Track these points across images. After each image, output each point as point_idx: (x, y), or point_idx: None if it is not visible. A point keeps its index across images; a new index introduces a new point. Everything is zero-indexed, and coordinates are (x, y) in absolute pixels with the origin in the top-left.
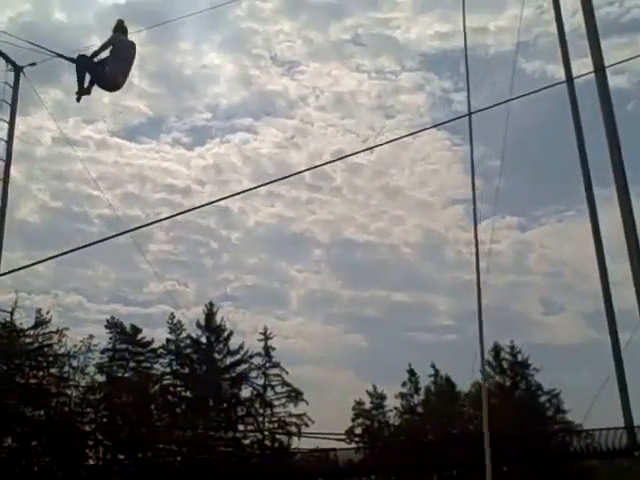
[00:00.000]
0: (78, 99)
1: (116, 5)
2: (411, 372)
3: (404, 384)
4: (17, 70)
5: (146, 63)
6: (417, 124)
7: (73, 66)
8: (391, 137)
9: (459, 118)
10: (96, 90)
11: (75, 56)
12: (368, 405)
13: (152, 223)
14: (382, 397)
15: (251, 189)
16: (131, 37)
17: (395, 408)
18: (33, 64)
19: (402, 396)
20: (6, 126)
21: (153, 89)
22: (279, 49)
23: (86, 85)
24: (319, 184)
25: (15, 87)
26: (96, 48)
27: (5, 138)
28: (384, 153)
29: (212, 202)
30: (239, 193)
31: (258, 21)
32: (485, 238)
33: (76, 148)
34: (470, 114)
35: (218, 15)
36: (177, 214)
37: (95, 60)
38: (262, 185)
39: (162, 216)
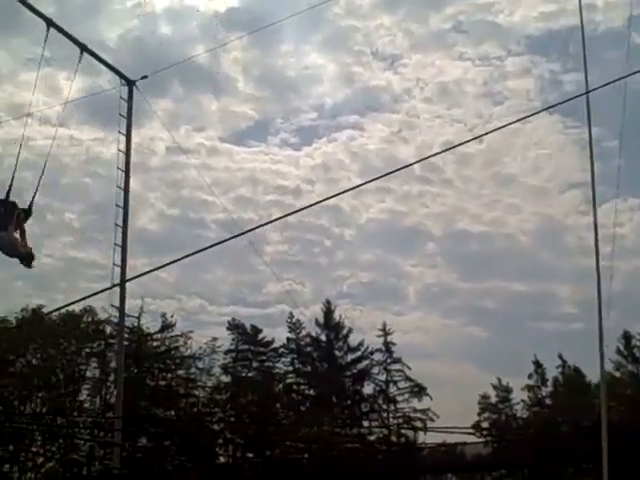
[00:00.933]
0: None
1: (217, 14)
2: (537, 363)
3: (530, 376)
4: (130, 84)
5: (250, 68)
6: (526, 109)
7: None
8: (500, 124)
9: (575, 98)
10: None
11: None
12: (494, 399)
13: (267, 223)
14: (508, 390)
15: (362, 184)
16: (233, 44)
17: (522, 401)
18: (145, 77)
19: (529, 388)
20: (123, 138)
21: (258, 93)
22: (380, 44)
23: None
24: (429, 177)
25: (129, 100)
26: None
27: (123, 150)
28: (494, 141)
29: (324, 200)
30: (351, 189)
31: (357, 18)
32: (607, 222)
33: (189, 156)
34: (587, 92)
35: (317, 15)
36: (291, 213)
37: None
38: (372, 180)
39: (274, 217)
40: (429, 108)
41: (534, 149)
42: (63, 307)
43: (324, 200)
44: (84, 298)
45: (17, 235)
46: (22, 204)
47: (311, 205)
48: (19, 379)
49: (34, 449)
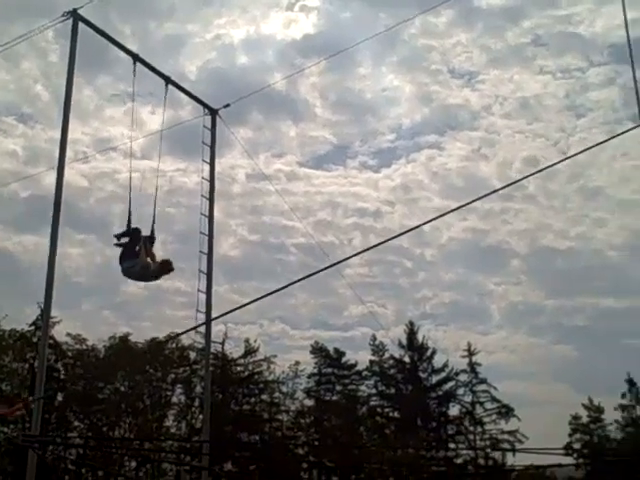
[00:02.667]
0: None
1: (294, 41)
2: (630, 382)
3: (624, 395)
4: (213, 113)
5: (328, 92)
6: (611, 120)
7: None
8: (584, 137)
9: None
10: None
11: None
12: (585, 419)
13: (358, 254)
14: (600, 410)
15: (450, 212)
16: (310, 69)
17: (615, 421)
18: (227, 106)
19: (622, 408)
20: (207, 167)
21: (336, 117)
22: (457, 62)
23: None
24: (512, 193)
25: (213, 129)
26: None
27: (207, 177)
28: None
29: (414, 228)
30: (440, 217)
31: (433, 36)
32: None
33: (269, 182)
34: None
35: (393, 36)
36: (381, 243)
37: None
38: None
39: (356, 241)
40: (509, 124)
41: (621, 160)
42: (173, 338)
43: (414, 228)
44: (182, 333)
45: (148, 259)
46: (110, 234)
47: (403, 233)
48: (108, 406)
49: (123, 473)
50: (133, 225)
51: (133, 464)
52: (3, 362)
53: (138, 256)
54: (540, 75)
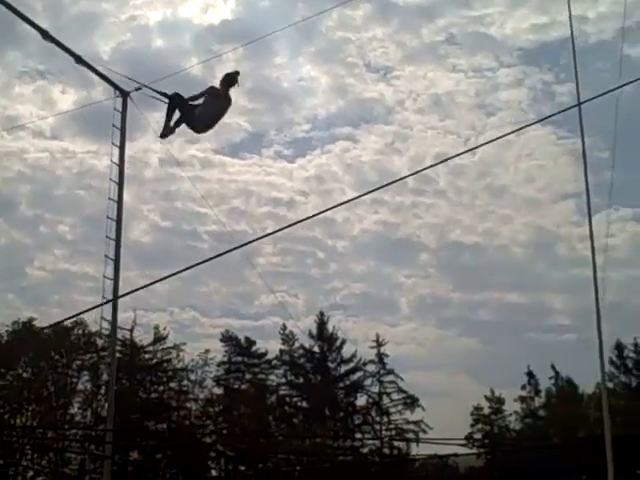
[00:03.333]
0: (163, 135)
1: (211, 26)
2: (530, 374)
3: (523, 387)
4: (124, 95)
5: (244, 80)
6: (519, 120)
7: (176, 88)
8: (493, 135)
9: (568, 109)
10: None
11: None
12: (487, 410)
13: (263, 236)
14: (501, 401)
15: (357, 197)
16: (227, 56)
17: (515, 412)
18: (139, 89)
19: (522, 399)
20: (117, 150)
21: (252, 105)
22: (373, 56)
23: (172, 124)
24: (423, 188)
25: (123, 112)
26: (195, 93)
27: (117, 162)
28: (486, 153)
29: (320, 213)
30: (346, 202)
31: (350, 29)
32: (599, 232)
33: (182, 168)
34: (580, 104)
35: (311, 27)
36: (286, 227)
37: (189, 103)
38: (367, 193)
39: (268, 230)
40: (422, 119)
41: (527, 160)
42: (60, 322)
43: (320, 213)
44: (78, 314)
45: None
46: (17, 217)
47: (308, 218)
48: (10, 392)
49: (24, 463)
50: None
51: (34, 453)
52: None
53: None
54: (453, 73)
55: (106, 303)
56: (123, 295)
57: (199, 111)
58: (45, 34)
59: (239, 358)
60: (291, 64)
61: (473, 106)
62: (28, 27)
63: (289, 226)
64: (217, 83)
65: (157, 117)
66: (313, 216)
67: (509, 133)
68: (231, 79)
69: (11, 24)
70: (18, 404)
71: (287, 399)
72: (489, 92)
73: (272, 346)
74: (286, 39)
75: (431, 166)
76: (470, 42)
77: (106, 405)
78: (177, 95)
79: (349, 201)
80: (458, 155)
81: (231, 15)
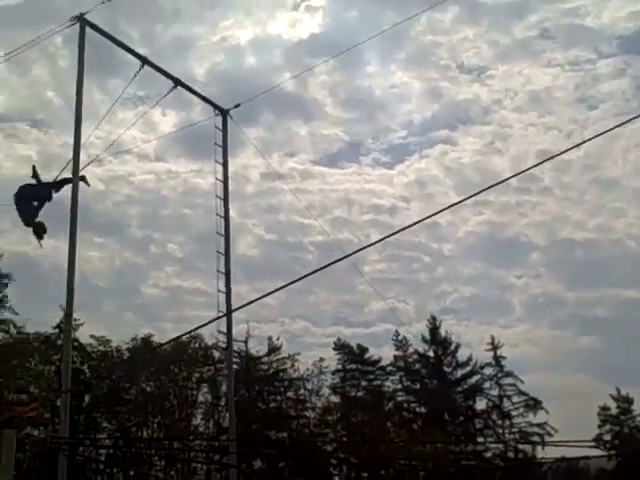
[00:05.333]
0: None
1: (301, 41)
2: None
3: None
4: (223, 113)
5: (337, 90)
6: (624, 111)
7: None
8: (597, 129)
9: None
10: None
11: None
12: (614, 410)
13: (373, 244)
14: (629, 401)
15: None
16: (319, 68)
17: None
18: (237, 106)
19: None
20: (220, 167)
21: (347, 114)
22: (465, 57)
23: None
24: (527, 186)
25: (224, 129)
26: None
27: (221, 178)
28: (592, 146)
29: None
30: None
31: (440, 33)
32: None
33: (283, 181)
34: None
35: (400, 33)
36: (396, 232)
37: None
38: (473, 195)
39: (372, 237)
40: (521, 117)
41: (635, 151)
42: (177, 337)
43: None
44: (198, 328)
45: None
46: (129, 238)
47: (416, 223)
48: (135, 406)
49: (154, 473)
50: None
51: (163, 463)
52: (29, 365)
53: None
54: (549, 68)
55: (223, 316)
56: (238, 308)
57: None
58: (145, 61)
59: (353, 365)
60: (383, 72)
61: (573, 100)
62: (128, 55)
63: (398, 232)
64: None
65: (255, 133)
66: (420, 221)
67: (618, 125)
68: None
69: (111, 53)
70: (143, 417)
71: (405, 405)
72: (589, 85)
73: (385, 353)
74: (376, 47)
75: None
76: (565, 35)
77: (227, 416)
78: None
79: (454, 204)
80: (565, 152)
81: (319, 28)
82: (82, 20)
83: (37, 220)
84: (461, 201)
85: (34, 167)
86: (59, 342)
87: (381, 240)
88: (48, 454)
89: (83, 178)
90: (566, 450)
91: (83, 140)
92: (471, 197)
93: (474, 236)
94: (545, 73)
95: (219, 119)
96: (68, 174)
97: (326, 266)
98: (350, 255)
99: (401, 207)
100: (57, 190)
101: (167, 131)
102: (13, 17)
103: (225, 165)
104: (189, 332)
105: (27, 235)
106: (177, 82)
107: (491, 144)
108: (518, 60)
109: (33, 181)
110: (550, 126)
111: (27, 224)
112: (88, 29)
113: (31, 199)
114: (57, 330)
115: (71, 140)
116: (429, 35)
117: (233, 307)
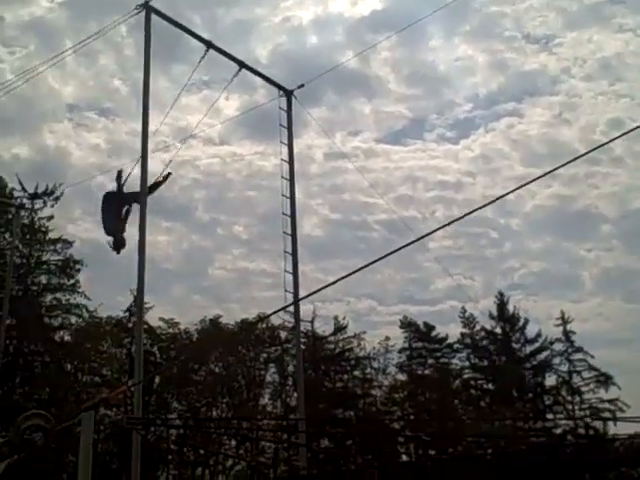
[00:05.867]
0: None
1: (362, 18)
2: None
3: None
4: (288, 94)
5: (400, 67)
6: None
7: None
8: None
9: None
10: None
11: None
12: None
13: (445, 226)
14: None
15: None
16: (382, 45)
17: None
18: (302, 86)
19: None
20: (285, 148)
21: (410, 91)
22: (531, 26)
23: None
24: (598, 156)
25: (289, 110)
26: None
27: (286, 159)
28: None
29: (502, 196)
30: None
31: (505, 3)
32: None
33: (347, 160)
34: None
35: (463, 5)
36: (469, 213)
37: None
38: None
39: (438, 214)
40: (590, 86)
41: None
42: (264, 319)
43: (501, 197)
44: (273, 313)
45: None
46: (195, 221)
47: (489, 203)
48: (204, 387)
49: (223, 452)
50: None
51: (233, 442)
52: (102, 348)
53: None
54: (620, 34)
55: (291, 305)
56: (306, 296)
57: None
58: (210, 45)
59: (420, 344)
60: (446, 45)
61: None
62: (191, 41)
63: (466, 215)
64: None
65: (318, 113)
66: (493, 201)
67: None
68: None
69: (176, 39)
70: (213, 397)
71: (472, 382)
72: None
73: (452, 330)
74: (439, 21)
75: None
76: None
77: (295, 395)
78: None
79: (526, 184)
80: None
81: (381, 4)
82: (147, 7)
83: (122, 235)
84: (535, 180)
85: (119, 172)
86: (130, 325)
87: (450, 223)
88: (121, 434)
89: (167, 176)
90: (638, 427)
91: (150, 127)
92: (547, 174)
93: (542, 210)
94: (616, 39)
95: (283, 100)
96: (137, 163)
97: (396, 250)
98: (421, 239)
99: (467, 182)
100: (150, 193)
101: (231, 114)
102: (79, 8)
103: (290, 146)
104: (263, 318)
105: (98, 223)
106: (241, 65)
107: (559, 115)
108: (587, 27)
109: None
110: (621, 94)
111: (108, 233)
112: (153, 16)
113: (116, 207)
114: (128, 313)
115: (138, 127)
116: (493, 6)
117: (300, 286)
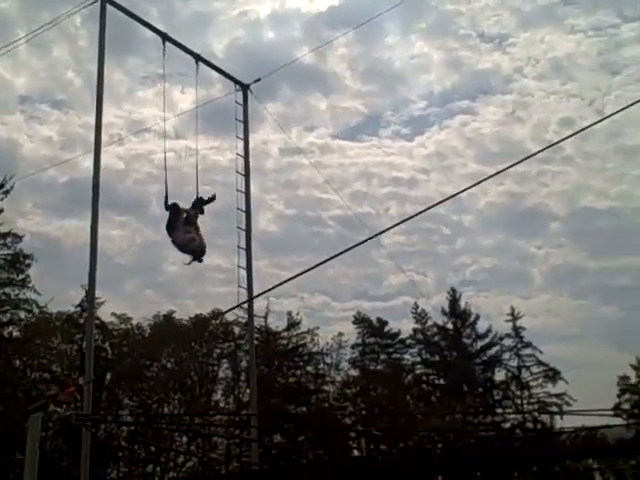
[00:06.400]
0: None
1: (320, 14)
2: None
3: None
4: (244, 88)
5: (356, 63)
6: None
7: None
8: (620, 95)
9: None
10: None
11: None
12: (634, 379)
13: (396, 225)
14: None
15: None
16: (338, 41)
17: None
18: (258, 80)
19: None
20: (241, 143)
21: (366, 87)
22: (486, 25)
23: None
24: (548, 155)
25: (245, 104)
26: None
27: (242, 154)
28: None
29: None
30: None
31: (460, 1)
32: None
33: (303, 155)
34: None
35: (420, 3)
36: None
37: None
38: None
39: (392, 210)
40: (542, 85)
41: None
42: (218, 315)
43: (454, 195)
44: (228, 311)
45: (192, 233)
46: (150, 216)
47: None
48: (156, 382)
49: (175, 449)
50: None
51: (184, 439)
52: (52, 344)
53: (176, 230)
54: (571, 34)
55: (245, 303)
56: (263, 293)
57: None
58: (165, 37)
59: (372, 339)
60: (402, 42)
61: (596, 66)
62: (146, 33)
63: (421, 212)
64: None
65: (274, 108)
66: (448, 199)
67: None
68: (201, 204)
69: (131, 32)
70: (165, 393)
71: (424, 377)
72: (612, 50)
73: (405, 325)
74: (396, 18)
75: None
76: (588, 0)
77: (247, 391)
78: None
79: (481, 182)
80: (592, 125)
81: (338, 1)
82: None
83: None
84: (487, 179)
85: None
86: (81, 321)
87: (405, 221)
88: (71, 431)
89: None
90: (585, 420)
91: (104, 120)
92: (499, 173)
93: (494, 207)
94: (568, 40)
95: (239, 94)
96: (90, 155)
97: (355, 246)
98: (376, 236)
99: (421, 179)
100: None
101: (187, 108)
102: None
103: (246, 140)
104: (218, 315)
105: (49, 216)
106: (198, 58)
107: (512, 113)
108: (540, 27)
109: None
110: (572, 93)
111: (184, 251)
112: (108, 7)
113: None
114: (79, 309)
115: (92, 120)
116: (449, 4)
117: (254, 281)
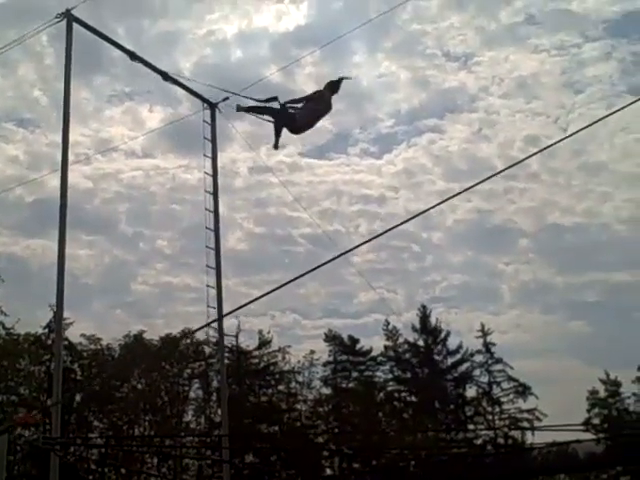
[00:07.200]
0: (276, 147)
1: (287, 33)
2: None
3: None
4: (212, 107)
5: (324, 82)
6: (609, 95)
7: (258, 97)
8: (583, 113)
9: None
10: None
11: (275, 102)
12: (603, 393)
13: (370, 240)
14: (617, 384)
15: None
16: (306, 60)
17: (634, 394)
18: (226, 99)
19: (639, 380)
20: (209, 162)
21: (335, 106)
22: (451, 44)
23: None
24: (514, 172)
25: (213, 123)
26: (298, 96)
27: (210, 172)
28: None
29: (425, 211)
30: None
31: (426, 20)
32: None
33: (272, 174)
34: None
35: (386, 22)
36: (395, 227)
37: (289, 108)
38: (471, 187)
39: (361, 228)
40: (508, 104)
41: (622, 135)
42: (188, 334)
43: (424, 212)
44: (197, 330)
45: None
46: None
47: (413, 217)
48: (126, 404)
49: (145, 471)
50: None
51: (155, 461)
52: (20, 366)
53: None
54: (535, 54)
55: (215, 321)
56: (233, 311)
57: (299, 115)
58: (133, 55)
59: (344, 357)
60: (370, 61)
61: (560, 85)
62: (113, 52)
63: (392, 228)
64: (312, 88)
65: (242, 127)
66: (416, 216)
67: (609, 115)
68: (334, 86)
69: (98, 50)
70: (135, 415)
71: (396, 394)
72: (575, 69)
73: (376, 343)
74: (362, 37)
75: (529, 157)
76: (551, 20)
77: (219, 411)
78: (283, 108)
79: (451, 197)
80: (556, 143)
81: (305, 20)
82: (69, 16)
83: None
84: (455, 195)
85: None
86: (49, 342)
87: (374, 238)
88: (39, 455)
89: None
90: (556, 435)
91: (71, 138)
92: (467, 190)
93: (463, 224)
94: (531, 59)
95: (207, 113)
96: (57, 174)
97: (325, 263)
98: (346, 253)
99: (390, 197)
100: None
101: (154, 127)
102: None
103: (214, 159)
104: (187, 334)
105: (15, 236)
106: (165, 76)
107: (479, 131)
108: (504, 46)
109: None
110: (537, 112)
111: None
112: (75, 25)
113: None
114: (47, 330)
115: (58, 139)
116: (415, 23)
117: (224, 300)
